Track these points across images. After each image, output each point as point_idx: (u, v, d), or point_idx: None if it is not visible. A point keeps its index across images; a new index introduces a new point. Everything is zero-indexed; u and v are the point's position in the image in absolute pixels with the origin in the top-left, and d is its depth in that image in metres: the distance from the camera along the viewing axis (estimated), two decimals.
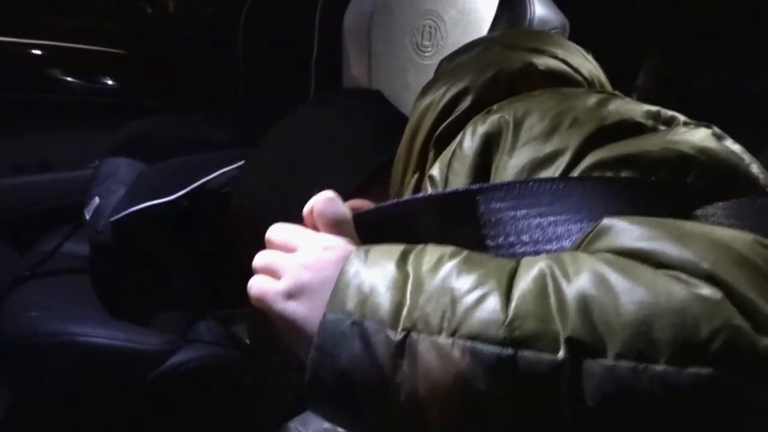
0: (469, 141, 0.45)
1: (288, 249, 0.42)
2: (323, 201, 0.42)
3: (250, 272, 0.69)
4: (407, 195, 0.52)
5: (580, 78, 0.53)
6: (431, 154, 0.51)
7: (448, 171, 0.46)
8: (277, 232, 0.44)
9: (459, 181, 0.45)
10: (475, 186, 0.40)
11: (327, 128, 0.65)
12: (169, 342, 1.05)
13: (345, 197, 0.59)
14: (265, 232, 0.64)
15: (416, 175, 0.52)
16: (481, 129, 0.45)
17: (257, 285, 0.41)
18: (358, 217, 0.43)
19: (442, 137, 0.50)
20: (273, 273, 0.41)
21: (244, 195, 0.69)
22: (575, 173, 0.39)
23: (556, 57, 0.53)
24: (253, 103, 1.64)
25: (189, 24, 2.60)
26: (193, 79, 1.84)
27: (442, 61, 0.61)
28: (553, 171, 0.40)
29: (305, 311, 0.38)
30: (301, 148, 0.64)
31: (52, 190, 1.54)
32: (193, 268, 1.14)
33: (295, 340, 0.38)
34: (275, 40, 1.52)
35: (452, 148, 0.47)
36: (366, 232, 0.42)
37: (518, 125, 0.43)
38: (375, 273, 0.35)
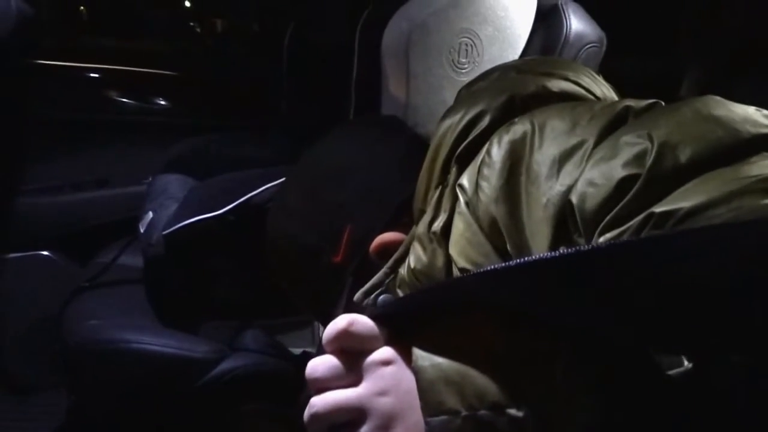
0: (496, 149, 0.48)
1: (340, 383, 0.37)
2: (348, 323, 0.37)
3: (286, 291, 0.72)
4: (430, 209, 0.55)
5: (592, 97, 0.56)
6: (454, 169, 0.54)
7: (478, 177, 0.49)
8: (319, 368, 0.37)
9: (489, 185, 0.48)
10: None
11: (354, 166, 0.67)
12: (217, 350, 1.10)
13: (377, 232, 0.62)
14: (298, 266, 0.67)
15: (438, 190, 0.55)
16: (507, 137, 0.48)
17: None
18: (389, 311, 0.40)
19: (462, 155, 0.53)
20: (345, 415, 0.36)
21: (277, 230, 0.70)
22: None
23: (567, 79, 0.56)
24: (294, 121, 1.69)
25: (236, 42, 2.73)
26: (239, 98, 1.91)
27: (461, 89, 0.64)
28: (579, 158, 0.43)
29: None
30: (330, 187, 0.66)
31: (108, 206, 1.62)
32: (239, 280, 1.20)
33: None
34: (317, 61, 1.57)
35: (480, 158, 0.50)
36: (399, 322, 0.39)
37: (542, 128, 0.47)
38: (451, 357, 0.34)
